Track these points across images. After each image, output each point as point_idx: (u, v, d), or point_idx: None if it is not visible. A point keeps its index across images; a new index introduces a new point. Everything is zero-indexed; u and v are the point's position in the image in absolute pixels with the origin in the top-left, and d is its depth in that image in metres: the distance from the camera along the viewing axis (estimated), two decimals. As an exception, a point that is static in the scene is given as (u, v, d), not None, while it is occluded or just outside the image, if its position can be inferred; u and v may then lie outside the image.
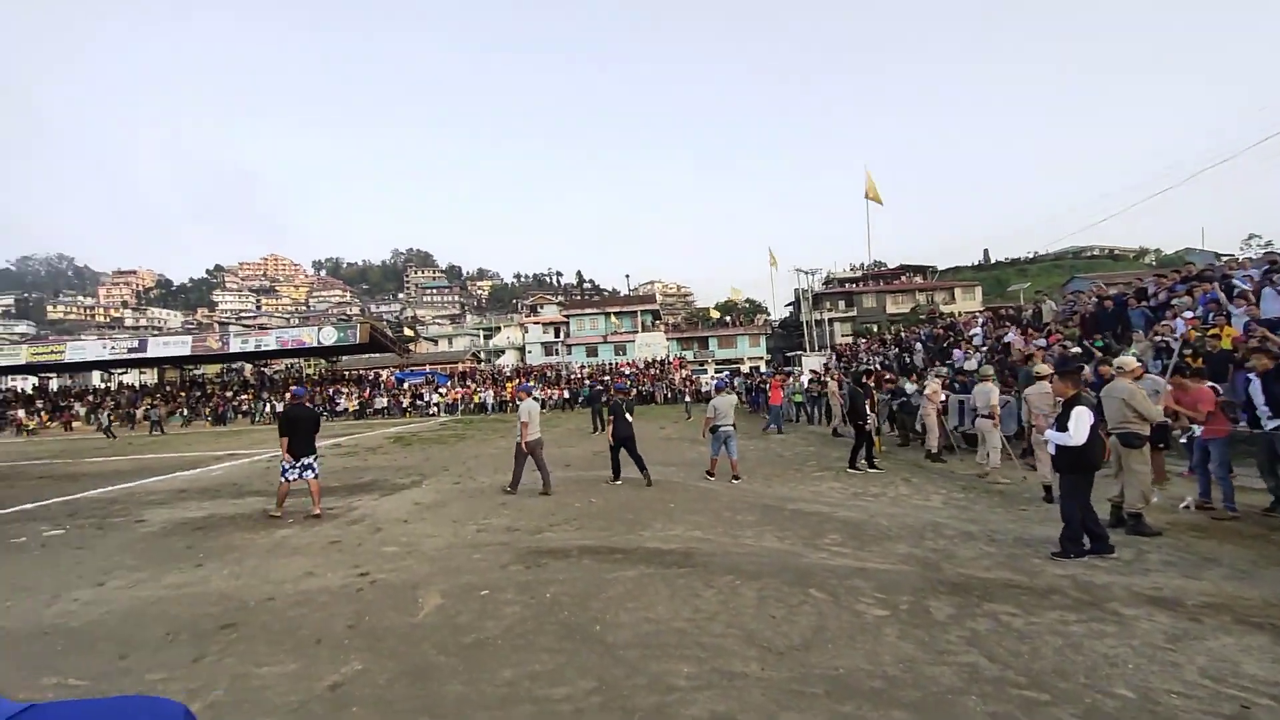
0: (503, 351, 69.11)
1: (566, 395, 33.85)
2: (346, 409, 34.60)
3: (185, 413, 33.59)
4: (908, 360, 20.45)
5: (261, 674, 3.37)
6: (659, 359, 42.09)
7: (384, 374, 40.61)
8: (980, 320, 19.31)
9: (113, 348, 35.69)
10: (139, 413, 32.91)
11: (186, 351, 35.03)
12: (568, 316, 56.50)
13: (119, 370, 44.54)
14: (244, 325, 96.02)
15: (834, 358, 28.88)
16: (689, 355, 51.99)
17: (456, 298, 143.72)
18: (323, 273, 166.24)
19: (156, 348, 35.13)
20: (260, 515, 7.65)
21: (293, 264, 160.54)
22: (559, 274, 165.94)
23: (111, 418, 29.53)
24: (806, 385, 18.97)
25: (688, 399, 27.51)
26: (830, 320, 54.45)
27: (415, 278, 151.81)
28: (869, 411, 9.46)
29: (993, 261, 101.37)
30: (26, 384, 44.22)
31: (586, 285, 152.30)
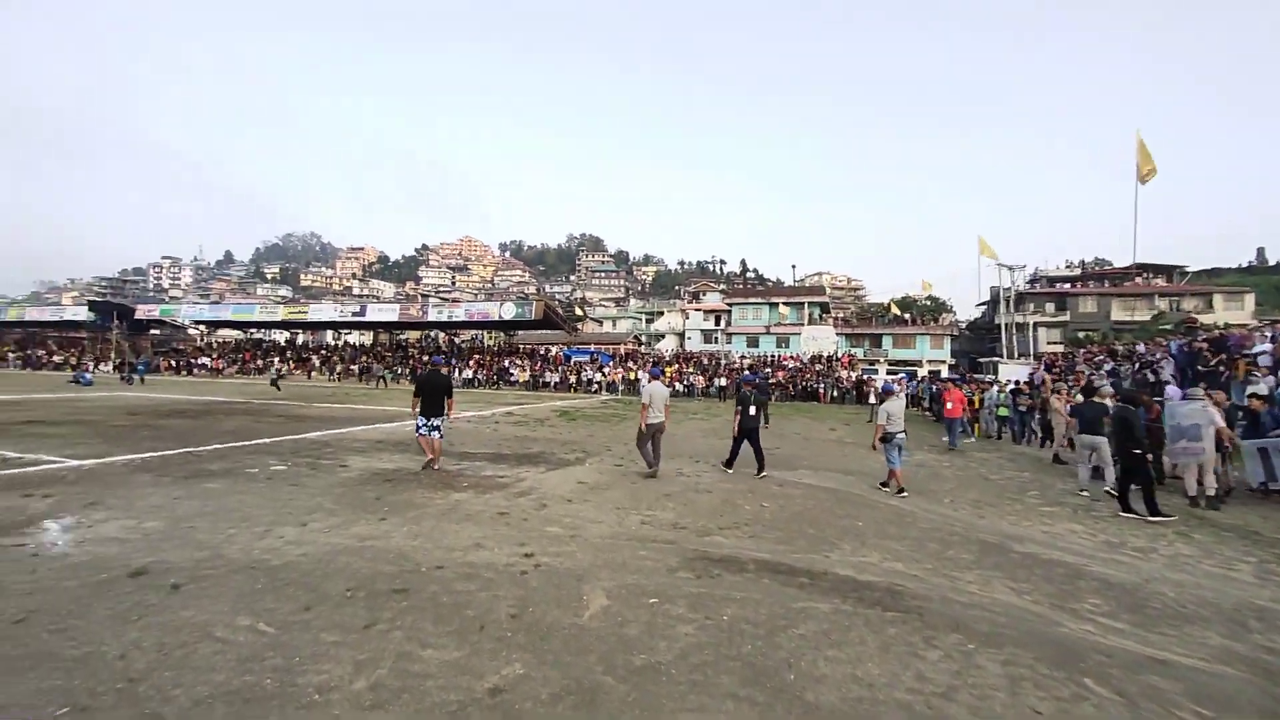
0: (663, 336, 70.17)
1: (723, 383, 33.06)
2: (518, 380, 37.28)
3: (395, 370, 38.63)
4: (1151, 378, 16.58)
5: (425, 657, 3.13)
6: (825, 354, 39.49)
7: (553, 350, 43.08)
8: (1271, 335, 14.91)
9: (340, 311, 42.11)
10: (368, 368, 38.52)
11: (394, 318, 40.19)
12: (730, 304, 55.43)
13: (345, 331, 52.59)
14: (440, 298, 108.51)
15: (1041, 367, 24.63)
16: (858, 353, 48.28)
17: (622, 282, 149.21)
18: (507, 254, 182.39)
19: (373, 313, 40.75)
20: (440, 473, 8.01)
21: (483, 245, 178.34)
22: (722, 262, 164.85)
23: (291, 369, 34.76)
24: (1013, 397, 16.17)
25: (873, 400, 25.12)
26: (1035, 325, 47.13)
27: (586, 261, 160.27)
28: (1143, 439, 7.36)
29: (1271, 264, 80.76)
30: (280, 337, 54.18)
31: (750, 274, 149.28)
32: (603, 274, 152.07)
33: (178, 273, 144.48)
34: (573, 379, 36.68)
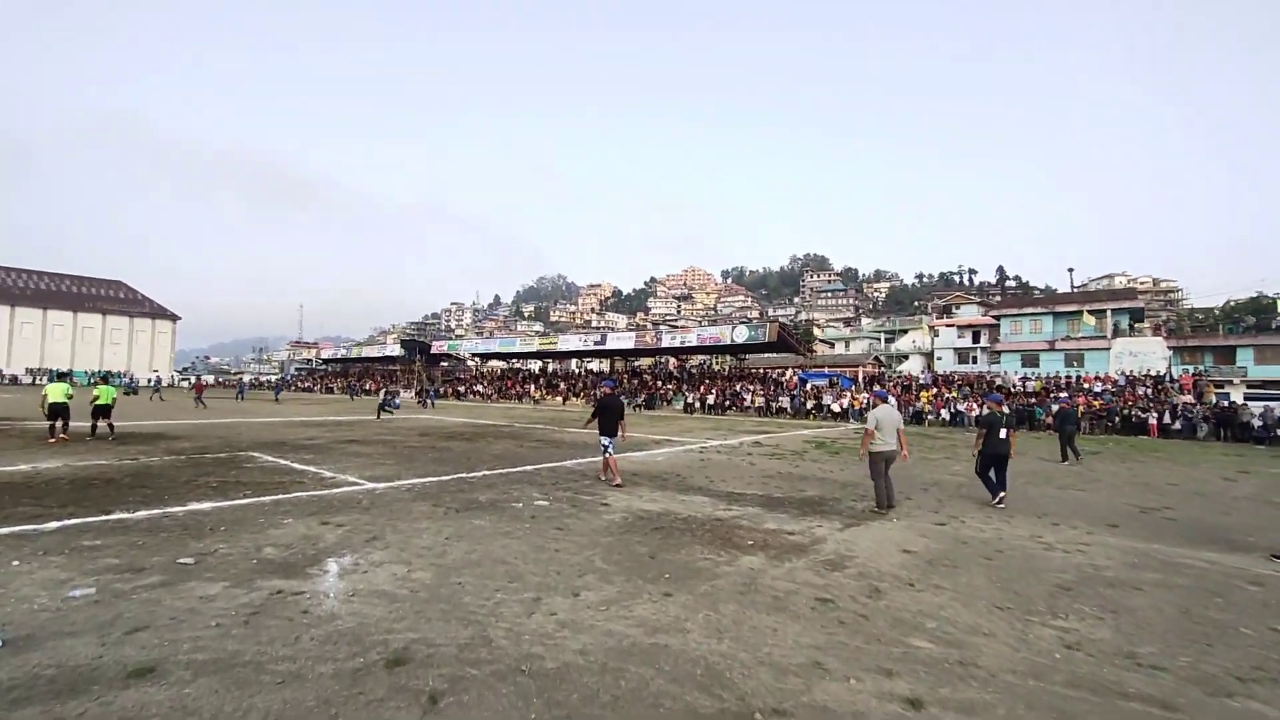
0: (906, 356, 62.62)
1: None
2: (751, 404, 35.62)
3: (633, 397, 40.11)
4: None
5: None
6: (1152, 372, 30.31)
7: (787, 374, 40.60)
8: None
9: (584, 341, 45.32)
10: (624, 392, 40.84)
11: (631, 345, 41.81)
12: (998, 316, 46.84)
13: (588, 359, 56.85)
14: (670, 325, 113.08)
15: None
16: (1185, 371, 36.47)
17: (852, 301, 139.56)
18: (729, 280, 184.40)
19: (612, 341, 43.02)
20: (713, 522, 6.54)
21: (705, 274, 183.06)
22: (972, 271, 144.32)
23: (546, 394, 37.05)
24: None
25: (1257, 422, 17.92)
26: None
27: (811, 282, 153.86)
28: None
29: None
30: (534, 367, 60.84)
31: (1010, 282, 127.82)
32: (829, 294, 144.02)
33: (461, 315, 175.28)
34: (809, 404, 33.81)
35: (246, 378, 68.64)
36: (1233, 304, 65.36)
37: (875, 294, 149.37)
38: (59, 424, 12.21)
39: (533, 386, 45.59)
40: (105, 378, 15.14)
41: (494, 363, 60.77)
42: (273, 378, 74.46)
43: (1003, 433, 8.08)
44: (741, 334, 35.90)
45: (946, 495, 8.79)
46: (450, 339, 68.68)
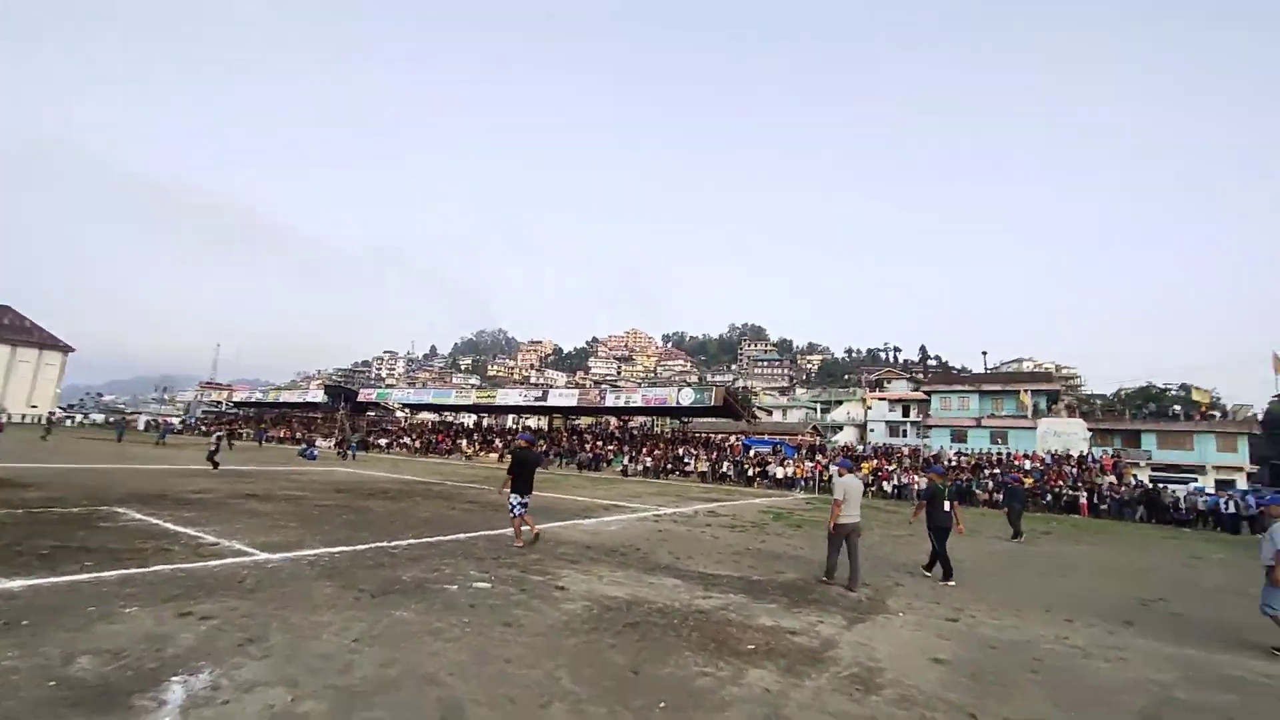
0: (840, 427, 63.96)
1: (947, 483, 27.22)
2: (694, 469, 34.66)
3: (565, 458, 38.27)
4: None
5: None
6: (1075, 453, 31.62)
7: (730, 439, 40.12)
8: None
9: (524, 396, 43.54)
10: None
11: (574, 403, 40.41)
12: (929, 392, 48.65)
13: (525, 415, 54.70)
14: (612, 385, 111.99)
15: None
16: (1104, 452, 38.57)
17: (786, 371, 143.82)
18: (669, 344, 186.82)
19: (554, 398, 41.48)
20: (696, 616, 5.35)
21: (647, 336, 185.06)
22: (896, 349, 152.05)
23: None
24: None
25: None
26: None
27: (748, 350, 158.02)
28: None
29: None
30: (468, 421, 57.93)
31: (932, 361, 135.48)
32: (765, 363, 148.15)
33: (394, 364, 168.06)
34: (751, 471, 33.19)
35: (144, 420, 61.98)
36: (1125, 392, 71.21)
37: (808, 365, 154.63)
38: None
39: (465, 442, 42.98)
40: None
41: (425, 415, 57.55)
42: (175, 419, 67.52)
43: (945, 505, 8.08)
44: (687, 396, 35.33)
45: (937, 581, 7.95)
46: (380, 388, 64.76)
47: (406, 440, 46.71)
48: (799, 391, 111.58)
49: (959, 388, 47.49)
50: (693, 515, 13.99)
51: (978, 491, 25.97)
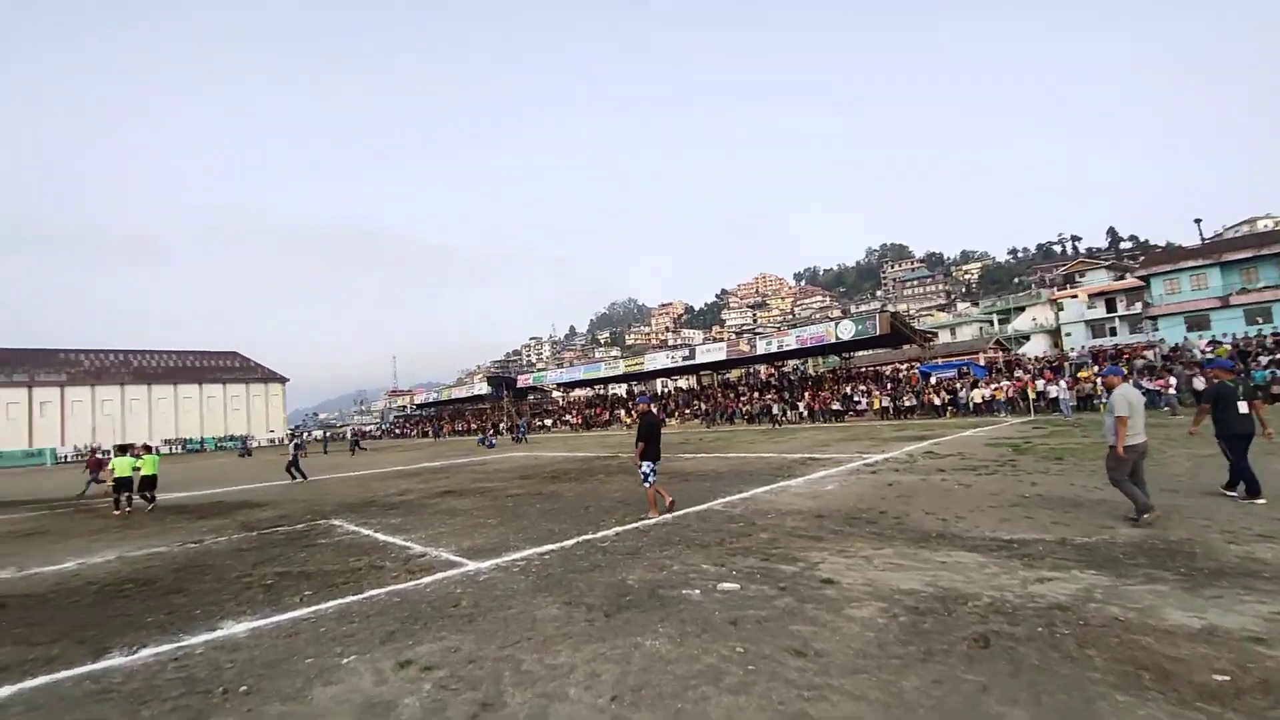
0: (1027, 337, 55.88)
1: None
2: (869, 408, 31.65)
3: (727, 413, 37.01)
4: None
5: None
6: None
7: (902, 369, 36.23)
8: None
9: (672, 357, 42.80)
10: (741, 410, 37.93)
11: (723, 356, 38.82)
12: (1145, 277, 40.20)
13: (675, 377, 54.31)
14: (753, 333, 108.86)
15: None
16: None
17: (941, 286, 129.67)
18: (803, 282, 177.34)
19: (702, 355, 40.20)
20: (1055, 614, 3.61)
21: (777, 278, 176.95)
22: (1075, 238, 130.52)
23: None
24: None
25: None
26: None
27: (892, 272, 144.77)
28: None
29: None
30: (619, 390, 58.95)
31: (1126, 244, 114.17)
32: (914, 281, 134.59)
33: (540, 349, 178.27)
34: (939, 401, 29.42)
35: (349, 430, 71.09)
36: None
37: (965, 276, 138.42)
38: (124, 498, 11.77)
39: (623, 411, 43.47)
40: (147, 448, 13.92)
41: (578, 391, 59.51)
42: (370, 426, 76.95)
43: (1242, 406, 6.61)
44: (847, 329, 32.12)
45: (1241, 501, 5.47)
46: (535, 372, 68.16)
47: (568, 418, 48.44)
48: (961, 306, 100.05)
49: (1189, 264, 38.48)
50: (910, 460, 11.90)
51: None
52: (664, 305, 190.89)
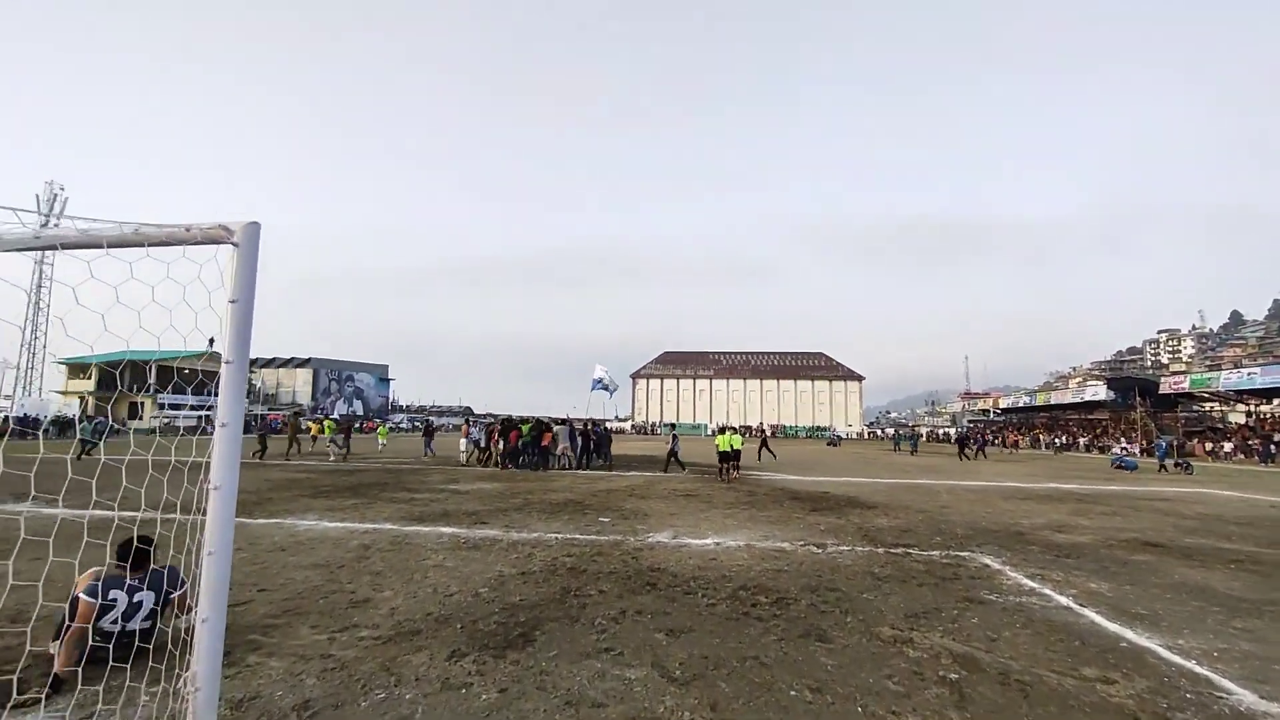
0: None
1: None
2: None
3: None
4: None
5: None
6: None
7: None
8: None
9: None
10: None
11: None
12: None
13: None
14: None
15: None
16: None
17: None
18: None
19: None
20: None
21: None
22: None
23: None
24: None
25: None
26: None
27: None
28: None
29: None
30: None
31: None
32: None
33: (1178, 346, 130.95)
34: None
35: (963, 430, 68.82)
36: None
37: None
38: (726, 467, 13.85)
39: None
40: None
41: (1269, 405, 38.81)
42: (949, 430, 72.36)
43: None
44: None
45: None
46: (1196, 374, 48.70)
47: (1254, 443, 31.66)
48: None
49: None
50: None
51: None
52: None
